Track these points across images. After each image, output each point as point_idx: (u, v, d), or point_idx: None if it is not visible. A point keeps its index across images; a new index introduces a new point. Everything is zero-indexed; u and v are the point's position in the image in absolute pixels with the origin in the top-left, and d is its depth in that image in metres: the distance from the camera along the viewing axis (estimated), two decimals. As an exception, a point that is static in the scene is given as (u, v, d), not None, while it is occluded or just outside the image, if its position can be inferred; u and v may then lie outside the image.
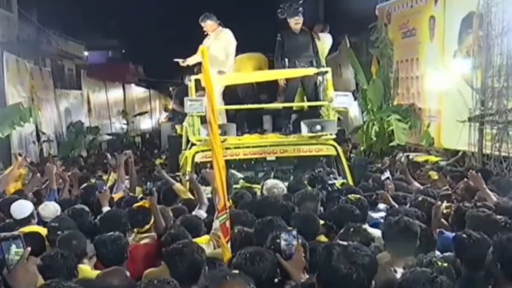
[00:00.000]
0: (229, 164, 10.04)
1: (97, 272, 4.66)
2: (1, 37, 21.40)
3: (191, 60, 10.45)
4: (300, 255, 3.86)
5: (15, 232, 3.87)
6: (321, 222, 5.74)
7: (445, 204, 6.28)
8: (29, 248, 3.12)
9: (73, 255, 4.67)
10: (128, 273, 4.51)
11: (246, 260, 3.88)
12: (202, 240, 5.40)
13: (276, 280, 3.85)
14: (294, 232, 3.95)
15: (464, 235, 4.63)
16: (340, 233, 5.01)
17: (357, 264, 3.06)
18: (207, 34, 10.44)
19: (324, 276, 3.15)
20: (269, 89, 11.01)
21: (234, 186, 8.68)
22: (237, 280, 3.33)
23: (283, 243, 3.91)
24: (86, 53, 37.72)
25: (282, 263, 3.85)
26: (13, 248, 3.09)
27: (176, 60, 10.55)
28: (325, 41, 11.39)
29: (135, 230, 5.97)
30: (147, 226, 5.96)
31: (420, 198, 6.63)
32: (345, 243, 3.28)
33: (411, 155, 13.43)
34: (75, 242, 5.07)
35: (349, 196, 6.43)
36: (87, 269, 4.88)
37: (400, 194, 7.63)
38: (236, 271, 3.54)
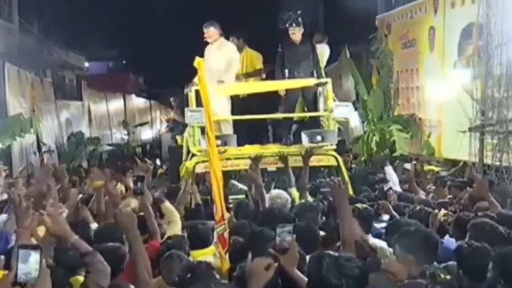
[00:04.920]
0: (229, 175, 10.08)
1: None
2: (2, 48, 21.41)
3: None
4: (294, 250, 3.87)
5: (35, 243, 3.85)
6: (322, 233, 5.73)
7: (442, 211, 6.27)
8: (44, 261, 3.13)
9: (64, 267, 4.62)
10: (132, 286, 4.49)
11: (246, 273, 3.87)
12: (208, 251, 5.40)
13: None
14: (289, 228, 3.98)
15: (466, 245, 4.61)
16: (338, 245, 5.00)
17: (347, 275, 3.06)
18: (207, 43, 10.44)
19: (314, 286, 3.15)
20: (269, 100, 11.00)
21: (236, 196, 8.66)
22: None
23: (277, 238, 3.94)
24: (86, 64, 37.79)
25: (278, 257, 3.84)
26: (32, 258, 3.07)
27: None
28: (323, 52, 11.41)
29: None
30: (146, 235, 5.91)
31: (418, 208, 6.62)
32: (336, 254, 3.30)
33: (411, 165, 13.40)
34: (71, 252, 5.02)
35: (357, 205, 6.41)
36: (79, 281, 4.85)
37: (401, 204, 7.62)
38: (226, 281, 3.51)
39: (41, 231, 4.78)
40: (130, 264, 4.77)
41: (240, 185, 9.90)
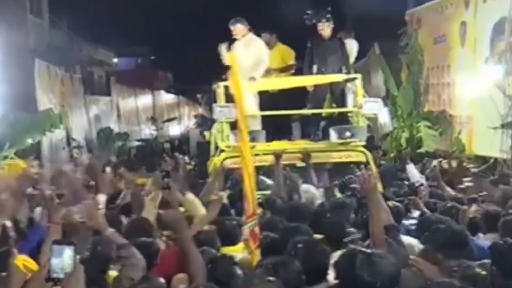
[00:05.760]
0: (258, 170, 10.06)
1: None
2: (32, 44, 21.61)
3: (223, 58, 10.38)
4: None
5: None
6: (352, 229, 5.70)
7: (473, 207, 6.20)
8: (78, 256, 3.16)
9: (100, 260, 4.63)
10: (162, 280, 4.48)
11: (269, 270, 3.85)
12: (238, 249, 5.38)
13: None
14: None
15: (502, 242, 4.53)
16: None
17: (381, 273, 3.02)
18: (235, 39, 10.43)
19: (347, 283, 3.11)
20: (298, 96, 10.97)
21: (263, 192, 8.64)
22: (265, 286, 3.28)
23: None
24: (115, 60, 38.00)
25: None
26: (67, 253, 3.09)
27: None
28: (351, 47, 11.34)
29: (165, 233, 5.90)
30: None
31: (449, 205, 6.55)
32: (368, 250, 3.26)
33: (442, 161, 13.28)
34: (100, 248, 5.03)
35: (387, 203, 6.36)
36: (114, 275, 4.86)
37: (431, 201, 7.55)
38: (272, 278, 3.49)
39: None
40: (163, 259, 4.76)
41: (269, 181, 9.89)
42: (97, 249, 4.70)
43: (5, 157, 16.57)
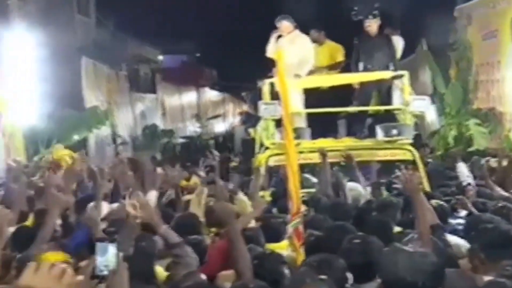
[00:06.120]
0: (302, 168, 9.99)
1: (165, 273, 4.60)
2: (79, 42, 21.90)
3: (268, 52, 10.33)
4: None
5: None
6: (398, 229, 5.65)
7: None
8: (121, 253, 3.20)
9: (150, 256, 4.60)
10: (204, 276, 4.43)
11: (314, 268, 3.80)
12: (282, 246, 5.33)
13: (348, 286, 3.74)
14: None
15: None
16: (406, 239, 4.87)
17: (423, 272, 2.94)
18: (280, 36, 10.36)
19: (388, 282, 3.06)
20: (344, 93, 10.86)
21: (308, 190, 8.58)
22: (316, 286, 3.20)
23: None
24: (161, 57, 38.27)
25: None
26: (111, 251, 3.14)
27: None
28: (398, 44, 11.19)
29: (213, 230, 5.87)
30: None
31: (500, 204, 6.40)
32: (410, 249, 3.19)
33: (491, 160, 13.03)
34: (143, 244, 5.00)
35: (431, 202, 6.25)
36: (159, 270, 4.84)
37: (479, 201, 7.38)
38: (323, 277, 3.41)
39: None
40: (210, 257, 4.72)
41: (313, 179, 9.82)
42: (141, 245, 4.69)
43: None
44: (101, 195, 6.12)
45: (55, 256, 3.23)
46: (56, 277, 1.88)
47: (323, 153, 8.47)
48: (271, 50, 10.10)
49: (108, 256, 3.11)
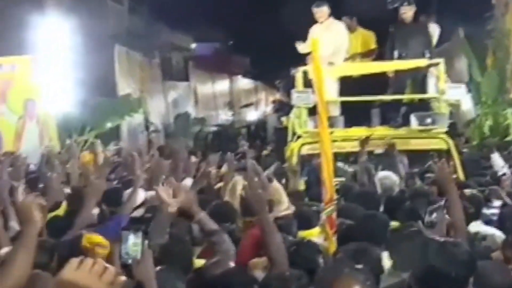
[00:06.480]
0: (335, 157, 9.92)
1: (202, 260, 4.58)
2: (112, 30, 21.99)
3: (302, 48, 10.32)
4: (442, 226, 4.01)
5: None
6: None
7: None
8: (146, 242, 3.22)
9: (189, 244, 4.59)
10: (233, 264, 4.41)
11: (350, 257, 3.76)
12: (314, 232, 5.29)
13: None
14: (440, 204, 4.25)
15: None
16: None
17: (455, 262, 2.89)
18: (314, 23, 10.28)
19: (419, 272, 3.05)
20: (378, 81, 10.77)
21: (340, 179, 8.54)
22: (353, 276, 3.13)
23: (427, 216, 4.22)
24: (193, 45, 38.29)
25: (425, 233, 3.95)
26: (131, 239, 3.16)
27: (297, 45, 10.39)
28: (434, 31, 11.06)
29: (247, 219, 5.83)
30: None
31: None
32: (441, 239, 3.14)
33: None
34: (176, 230, 4.98)
35: (463, 191, 6.18)
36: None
37: (514, 191, 7.28)
38: (360, 266, 3.37)
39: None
40: (242, 246, 4.70)
41: (346, 167, 9.77)
42: (175, 232, 4.68)
43: (86, 141, 16.98)
44: (138, 182, 6.13)
45: (97, 239, 3.24)
46: (97, 274, 1.87)
47: (363, 141, 8.42)
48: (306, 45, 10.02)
49: (128, 245, 3.15)
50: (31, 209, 2.83)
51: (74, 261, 1.89)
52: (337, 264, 3.88)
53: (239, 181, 6.63)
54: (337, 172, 9.35)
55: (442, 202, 4.30)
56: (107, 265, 1.89)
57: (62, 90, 16.62)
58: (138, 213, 5.93)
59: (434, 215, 4.21)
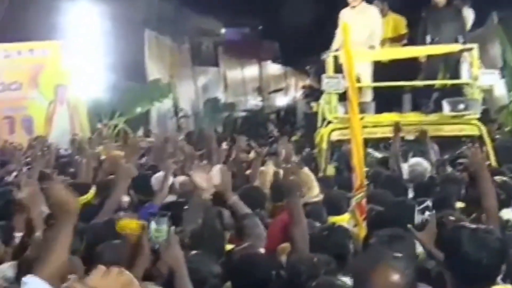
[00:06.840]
0: (366, 143, 9.85)
1: (230, 246, 4.58)
2: (142, 15, 22.00)
3: (334, 45, 10.10)
4: (432, 226, 3.81)
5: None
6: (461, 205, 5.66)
7: None
8: (173, 228, 3.22)
9: (221, 229, 4.58)
10: (262, 250, 4.39)
11: (385, 243, 3.73)
12: (344, 218, 5.30)
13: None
14: (428, 203, 4.17)
15: None
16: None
17: (487, 249, 2.85)
18: (345, 7, 10.15)
19: (452, 260, 3.03)
20: (410, 67, 10.65)
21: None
22: (393, 264, 3.04)
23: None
24: (223, 30, 38.24)
25: (415, 234, 3.82)
26: (152, 225, 3.17)
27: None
28: (468, 16, 10.90)
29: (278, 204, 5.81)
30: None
31: None
32: (473, 226, 3.09)
33: None
34: (208, 216, 4.97)
35: (495, 178, 6.09)
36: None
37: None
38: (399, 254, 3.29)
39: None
40: (270, 231, 4.68)
41: (376, 153, 9.71)
42: (207, 217, 4.67)
43: (116, 126, 17.06)
44: (169, 172, 6.15)
45: (132, 223, 3.24)
46: (123, 284, 1.91)
47: (397, 127, 8.36)
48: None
49: (151, 229, 3.15)
50: (68, 199, 2.78)
51: (101, 268, 1.92)
52: (374, 251, 3.80)
53: (270, 166, 6.61)
54: (366, 158, 9.35)
55: (430, 203, 4.22)
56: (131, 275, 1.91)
57: (92, 75, 16.73)
58: (169, 198, 5.93)
59: (424, 215, 4.11)
